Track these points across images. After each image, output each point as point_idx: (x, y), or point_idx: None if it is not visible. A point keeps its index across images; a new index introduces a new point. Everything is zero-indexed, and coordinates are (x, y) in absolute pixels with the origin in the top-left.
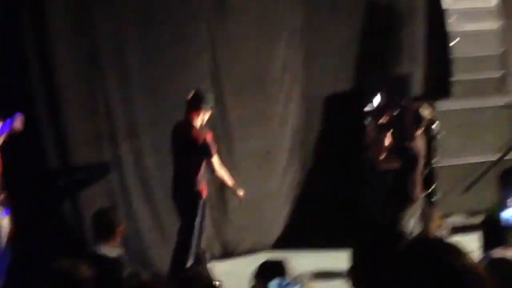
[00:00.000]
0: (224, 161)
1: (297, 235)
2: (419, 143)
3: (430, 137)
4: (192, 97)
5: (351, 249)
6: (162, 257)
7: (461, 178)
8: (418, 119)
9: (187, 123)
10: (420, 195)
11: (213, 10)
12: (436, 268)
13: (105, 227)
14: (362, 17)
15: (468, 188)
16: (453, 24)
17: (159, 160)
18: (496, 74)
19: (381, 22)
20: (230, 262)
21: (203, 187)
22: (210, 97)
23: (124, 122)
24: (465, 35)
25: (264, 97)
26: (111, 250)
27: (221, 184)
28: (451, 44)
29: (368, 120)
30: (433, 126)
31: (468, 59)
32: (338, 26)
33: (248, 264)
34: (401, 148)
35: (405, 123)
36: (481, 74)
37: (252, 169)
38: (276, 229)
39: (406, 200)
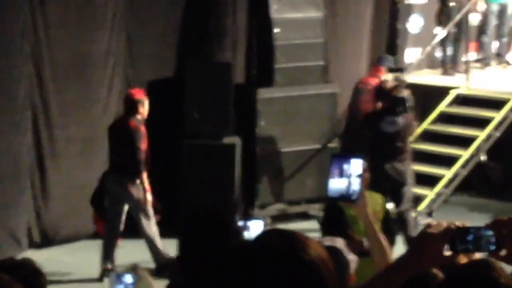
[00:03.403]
0: (46, 148)
1: None
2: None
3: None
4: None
5: (179, 239)
6: None
7: (282, 167)
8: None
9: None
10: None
11: None
12: (287, 261)
13: None
14: (184, 3)
15: (290, 177)
16: (275, 11)
17: None
18: (319, 62)
19: (203, 8)
20: (49, 250)
21: None
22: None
23: None
24: (288, 22)
25: (87, 82)
26: None
27: None
28: (274, 31)
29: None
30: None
31: (291, 47)
32: (159, 12)
33: (68, 252)
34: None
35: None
36: (303, 62)
37: (74, 156)
38: None
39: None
